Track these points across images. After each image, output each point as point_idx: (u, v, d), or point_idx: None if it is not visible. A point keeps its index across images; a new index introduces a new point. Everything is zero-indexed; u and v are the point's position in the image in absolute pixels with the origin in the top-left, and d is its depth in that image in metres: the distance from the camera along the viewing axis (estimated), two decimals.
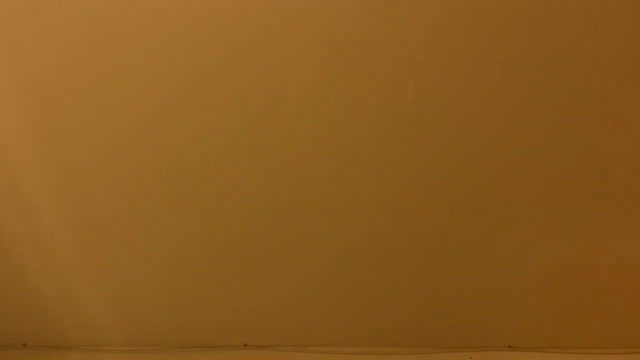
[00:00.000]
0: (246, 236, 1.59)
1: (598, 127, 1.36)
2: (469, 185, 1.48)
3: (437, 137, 1.39)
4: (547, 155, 1.42)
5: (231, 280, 1.69)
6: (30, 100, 1.35)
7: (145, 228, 1.58)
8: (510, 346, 1.81)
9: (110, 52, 1.27)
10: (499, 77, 1.29)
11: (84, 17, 1.23)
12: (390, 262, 1.65)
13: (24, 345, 1.85)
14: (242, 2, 1.18)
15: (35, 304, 1.75)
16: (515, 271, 1.65)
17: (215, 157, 1.44)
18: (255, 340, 1.82)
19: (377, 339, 1.82)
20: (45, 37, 1.26)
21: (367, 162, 1.44)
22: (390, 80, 1.29)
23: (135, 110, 1.36)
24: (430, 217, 1.55)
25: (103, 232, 1.59)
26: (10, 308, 1.77)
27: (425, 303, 1.74)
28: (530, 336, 1.79)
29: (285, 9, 1.19)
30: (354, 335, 1.82)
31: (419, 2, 1.17)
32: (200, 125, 1.39)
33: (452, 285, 1.69)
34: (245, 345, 1.83)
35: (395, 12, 1.19)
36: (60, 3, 1.20)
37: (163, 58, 1.28)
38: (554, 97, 1.32)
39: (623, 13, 1.20)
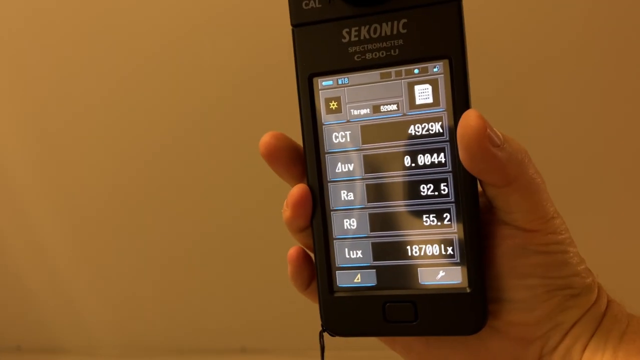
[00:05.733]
0: (244, 237, 1.58)
1: (601, 127, 1.36)
2: None
3: None
4: (552, 153, 1.41)
5: (229, 283, 1.67)
6: (24, 100, 1.35)
7: (141, 230, 1.56)
8: None
9: (105, 52, 1.27)
10: (498, 78, 1.29)
11: (82, 19, 1.23)
12: None
13: (18, 347, 1.84)
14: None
15: (30, 306, 1.73)
16: None
17: (212, 157, 1.43)
18: (254, 343, 1.81)
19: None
20: (41, 38, 1.26)
21: None
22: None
23: (133, 109, 1.36)
24: None
25: (99, 234, 1.57)
26: (4, 310, 1.75)
27: None
28: None
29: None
30: (353, 339, 1.81)
31: None
32: (199, 124, 1.38)
33: None
34: (243, 348, 1.83)
35: None
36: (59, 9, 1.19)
37: (162, 58, 1.28)
38: (551, 99, 1.32)
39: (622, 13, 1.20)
